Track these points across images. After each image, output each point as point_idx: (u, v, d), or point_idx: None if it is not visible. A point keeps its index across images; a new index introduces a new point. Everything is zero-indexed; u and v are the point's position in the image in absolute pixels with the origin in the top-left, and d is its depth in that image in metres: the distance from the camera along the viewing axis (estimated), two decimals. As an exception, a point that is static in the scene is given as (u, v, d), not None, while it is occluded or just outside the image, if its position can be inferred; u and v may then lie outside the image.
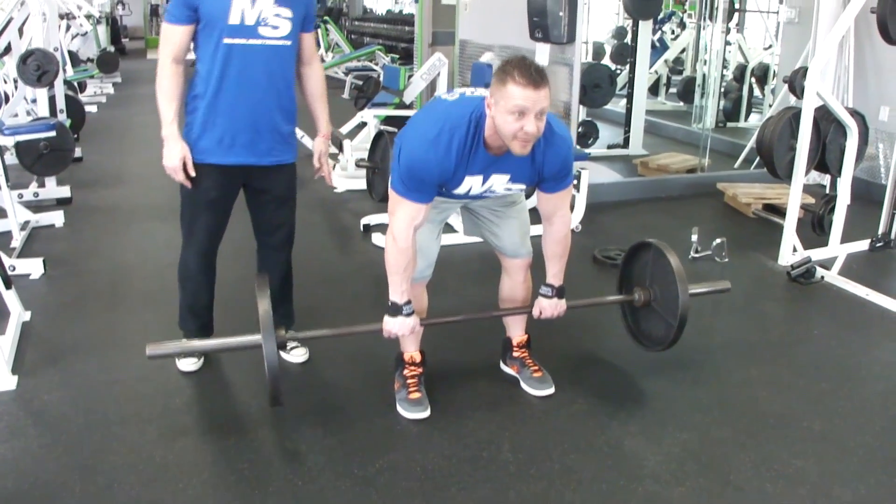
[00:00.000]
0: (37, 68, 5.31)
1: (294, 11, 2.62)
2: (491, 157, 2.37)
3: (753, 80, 8.24)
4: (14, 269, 3.78)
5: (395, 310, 2.48)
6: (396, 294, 2.47)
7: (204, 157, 2.66)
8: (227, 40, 2.56)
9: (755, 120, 7.97)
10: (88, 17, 11.26)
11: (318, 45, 12.94)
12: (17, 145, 4.79)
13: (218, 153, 2.67)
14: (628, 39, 7.88)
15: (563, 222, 2.59)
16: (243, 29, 2.55)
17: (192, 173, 2.65)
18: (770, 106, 6.95)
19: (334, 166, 5.92)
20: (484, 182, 2.45)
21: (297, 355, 3.00)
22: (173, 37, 2.58)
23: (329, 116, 2.93)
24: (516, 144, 2.25)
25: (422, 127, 2.38)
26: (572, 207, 4.54)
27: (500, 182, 2.47)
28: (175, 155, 2.61)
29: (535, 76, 2.17)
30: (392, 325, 2.51)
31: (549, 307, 2.69)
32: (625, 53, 8.21)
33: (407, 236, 2.39)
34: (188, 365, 2.90)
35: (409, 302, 2.49)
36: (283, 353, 2.96)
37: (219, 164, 2.68)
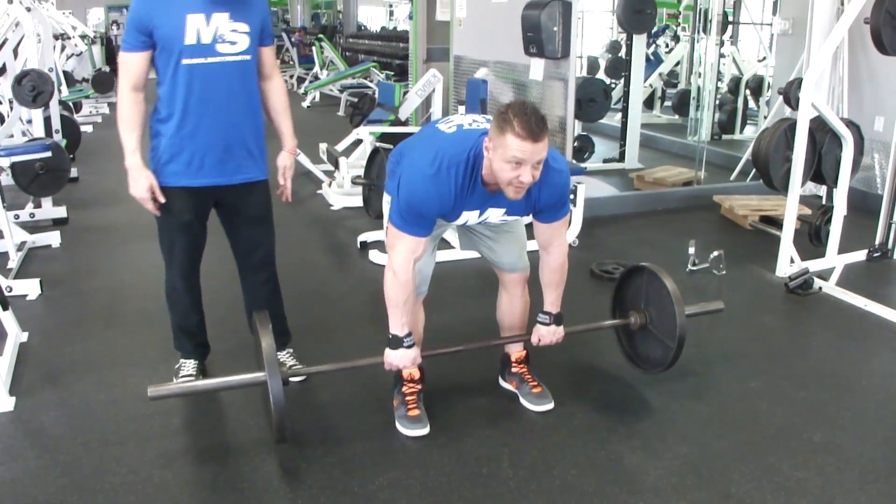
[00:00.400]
0: (32, 89, 5.33)
1: (250, 26, 2.60)
2: (488, 194, 2.39)
3: (748, 92, 8.29)
4: (11, 289, 3.77)
5: (396, 342, 2.49)
6: (397, 327, 2.47)
7: (173, 180, 2.64)
8: (185, 61, 2.52)
9: (750, 132, 8.02)
10: (83, 37, 11.33)
11: (314, 62, 13.04)
12: (13, 166, 4.81)
13: (187, 175, 2.64)
14: (622, 53, 7.93)
15: (561, 251, 2.60)
16: (201, 48, 2.52)
17: (162, 200, 2.63)
18: (765, 118, 6.98)
19: (331, 183, 5.96)
20: (480, 216, 2.48)
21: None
22: (131, 65, 2.55)
23: (293, 131, 2.89)
24: (510, 190, 2.27)
25: (420, 162, 2.36)
26: (569, 222, 4.54)
27: (495, 214, 2.50)
28: (142, 185, 2.58)
29: (535, 129, 2.16)
30: (393, 358, 2.51)
31: (547, 334, 2.70)
32: (619, 67, 8.27)
33: (407, 269, 2.40)
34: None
35: (409, 334, 2.49)
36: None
37: (189, 187, 2.66)
